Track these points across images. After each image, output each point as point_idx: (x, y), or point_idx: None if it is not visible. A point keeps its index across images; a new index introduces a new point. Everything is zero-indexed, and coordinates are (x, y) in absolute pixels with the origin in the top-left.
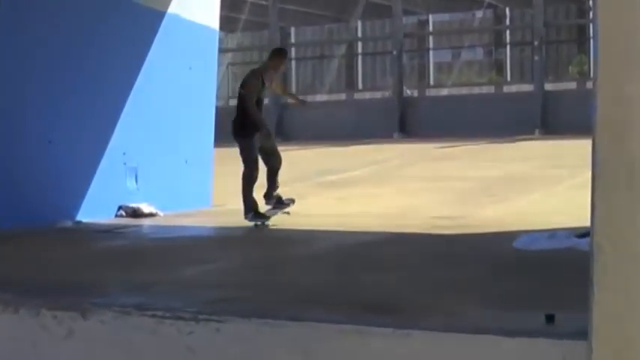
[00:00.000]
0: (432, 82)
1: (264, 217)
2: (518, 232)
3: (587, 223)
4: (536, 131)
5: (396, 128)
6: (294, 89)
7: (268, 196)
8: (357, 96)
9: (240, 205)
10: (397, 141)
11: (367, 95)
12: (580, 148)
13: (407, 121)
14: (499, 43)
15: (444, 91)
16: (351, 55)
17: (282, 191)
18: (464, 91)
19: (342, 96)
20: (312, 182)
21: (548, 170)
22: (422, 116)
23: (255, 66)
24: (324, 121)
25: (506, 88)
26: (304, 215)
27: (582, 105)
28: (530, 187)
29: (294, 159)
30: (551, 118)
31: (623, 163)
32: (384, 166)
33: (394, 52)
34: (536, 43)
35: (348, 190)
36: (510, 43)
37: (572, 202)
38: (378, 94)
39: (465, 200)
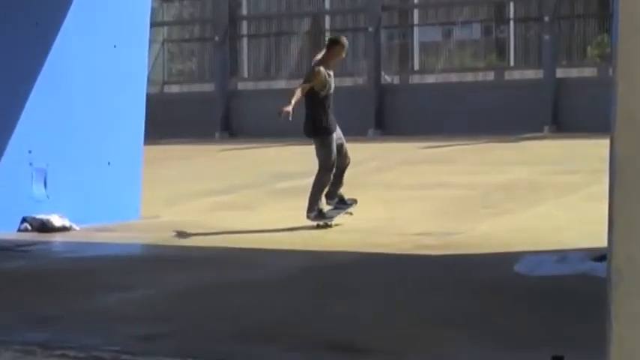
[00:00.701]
0: (416, 67)
1: (327, 217)
2: (521, 253)
3: (606, 243)
4: (546, 128)
5: (372, 123)
6: (245, 73)
7: (331, 195)
8: None
9: (177, 217)
10: (373, 139)
11: (336, 82)
12: (599, 150)
13: (385, 115)
14: (500, 18)
15: (432, 78)
16: (316, 31)
17: (227, 200)
18: (456, 77)
19: None
20: (265, 189)
21: (559, 177)
22: (404, 109)
23: (199, 44)
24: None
25: (508, 75)
26: (253, 230)
27: (603, 96)
28: (537, 198)
29: (244, 160)
30: (565, 113)
31: None
32: (356, 170)
33: (370, 29)
34: (546, 18)
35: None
36: (514, 19)
37: (587, 217)
38: (349, 81)
39: (456, 213)
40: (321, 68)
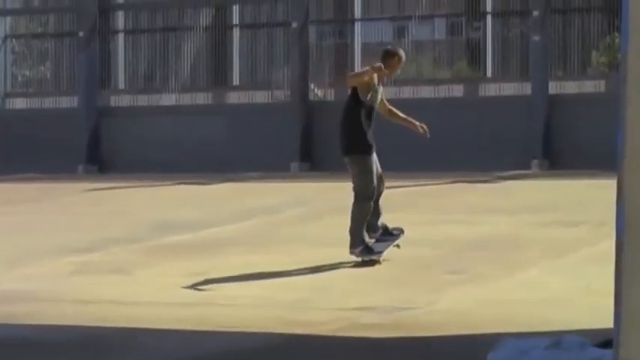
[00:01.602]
0: None
1: (375, 252)
2: (499, 335)
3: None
4: (534, 163)
5: (296, 155)
6: (120, 83)
7: (373, 227)
8: (231, 98)
9: (22, 284)
10: (296, 176)
11: (247, 97)
12: (608, 193)
13: (314, 143)
14: (473, 11)
15: (385, 93)
16: (220, 27)
17: (92, 260)
18: (412, 92)
19: (205, 97)
20: (145, 245)
21: (552, 230)
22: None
23: (55, 42)
24: (172, 139)
25: (483, 90)
26: (128, 302)
27: (613, 119)
28: (522, 259)
29: (117, 204)
30: (560, 143)
31: None
32: (272, 220)
33: (294, 25)
34: (535, 12)
35: (210, 259)
36: (492, 13)
37: (591, 286)
38: (263, 96)
39: (410, 280)
40: (372, 71)
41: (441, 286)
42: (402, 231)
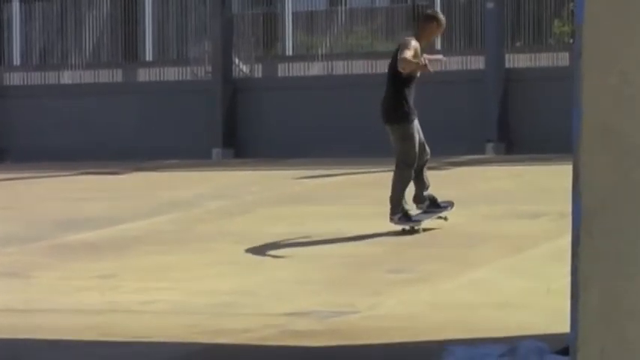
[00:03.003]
0: (288, 51)
1: (414, 220)
2: (448, 342)
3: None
4: (489, 147)
5: (219, 140)
6: (15, 59)
7: (420, 198)
8: (143, 75)
9: None
10: (219, 164)
11: (161, 74)
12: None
13: (239, 127)
14: None
15: (313, 68)
16: None
17: None
18: (348, 67)
19: (112, 75)
20: (44, 244)
21: (508, 223)
22: (268, 117)
23: None
24: (75, 123)
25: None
26: (24, 310)
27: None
28: (474, 256)
29: (11, 197)
30: (518, 123)
31: (627, 198)
32: (190, 215)
33: None
34: None
35: (118, 260)
36: None
37: (551, 286)
38: (181, 73)
39: (348, 281)
40: (415, 42)
41: (383, 287)
42: (451, 204)
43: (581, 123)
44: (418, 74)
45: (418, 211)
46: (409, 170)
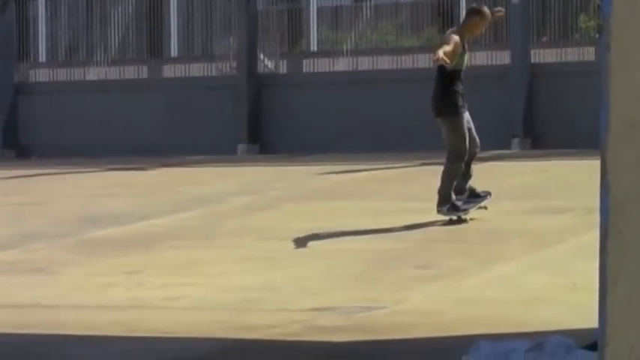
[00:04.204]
0: (313, 47)
1: (461, 209)
2: (474, 338)
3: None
4: (515, 142)
5: (244, 136)
6: (41, 56)
7: (460, 189)
8: (168, 72)
9: None
10: (244, 160)
11: (186, 71)
12: (598, 175)
13: (264, 123)
14: None
15: (339, 64)
16: None
17: (9, 258)
18: (375, 63)
19: (137, 71)
20: (70, 240)
21: (534, 219)
22: (293, 113)
23: None
24: (100, 119)
25: None
26: (50, 305)
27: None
28: (500, 252)
29: (37, 193)
30: (544, 119)
31: None
32: (216, 210)
33: None
34: None
35: (144, 255)
36: None
37: (576, 281)
38: (206, 69)
39: (374, 276)
40: (456, 36)
41: (409, 283)
42: (489, 193)
43: (608, 118)
44: (464, 67)
45: (458, 203)
46: (460, 163)
